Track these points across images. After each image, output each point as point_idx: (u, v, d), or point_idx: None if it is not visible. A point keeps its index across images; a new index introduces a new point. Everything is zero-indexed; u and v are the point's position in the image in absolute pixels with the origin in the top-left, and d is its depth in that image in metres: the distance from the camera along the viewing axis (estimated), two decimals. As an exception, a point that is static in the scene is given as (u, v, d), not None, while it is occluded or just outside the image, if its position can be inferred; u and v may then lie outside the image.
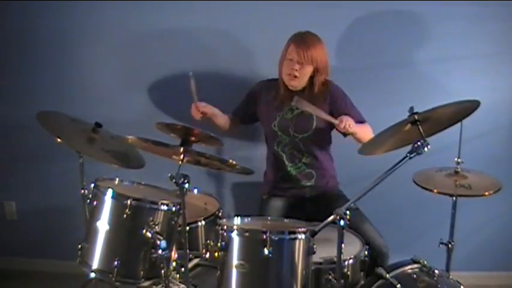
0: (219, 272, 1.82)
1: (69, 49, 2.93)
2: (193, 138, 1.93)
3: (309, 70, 2.41)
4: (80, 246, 2.00)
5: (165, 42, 2.89)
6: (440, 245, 2.20)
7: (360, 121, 2.47)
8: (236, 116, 2.72)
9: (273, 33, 2.73)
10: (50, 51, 2.93)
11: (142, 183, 2.27)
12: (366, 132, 2.42)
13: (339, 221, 1.72)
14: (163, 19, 2.85)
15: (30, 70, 2.97)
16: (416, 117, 1.80)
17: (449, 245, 2.19)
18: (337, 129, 2.41)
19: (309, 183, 2.54)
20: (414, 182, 2.13)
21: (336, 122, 2.34)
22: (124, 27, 2.88)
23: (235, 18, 2.82)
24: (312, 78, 2.45)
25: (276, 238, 1.73)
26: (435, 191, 2.07)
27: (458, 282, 1.99)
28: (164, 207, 1.96)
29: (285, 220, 2.07)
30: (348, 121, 2.33)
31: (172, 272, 2.00)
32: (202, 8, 2.80)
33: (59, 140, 2.02)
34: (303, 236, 1.78)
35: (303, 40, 2.41)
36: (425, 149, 1.74)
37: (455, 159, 2.17)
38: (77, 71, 2.97)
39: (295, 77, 2.41)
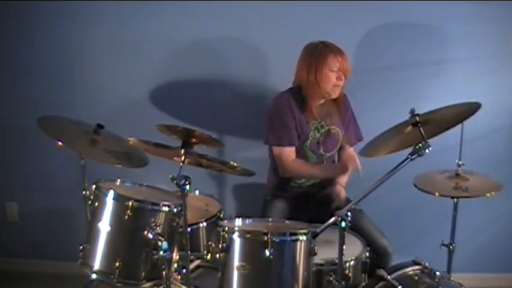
0: (220, 273, 1.81)
1: (70, 51, 2.94)
2: (194, 140, 1.93)
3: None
4: (81, 247, 1.99)
5: (166, 44, 2.89)
6: (442, 247, 2.21)
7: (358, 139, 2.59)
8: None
9: (278, 37, 2.76)
10: (51, 54, 2.94)
11: (144, 184, 2.26)
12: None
13: (340, 222, 1.73)
14: (165, 22, 2.85)
15: (31, 72, 2.97)
16: (417, 118, 1.80)
17: (451, 247, 2.20)
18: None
19: (319, 194, 2.56)
20: (415, 186, 2.14)
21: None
22: (125, 29, 2.88)
23: (237, 21, 2.84)
24: None
25: (277, 239, 1.73)
26: (437, 194, 2.07)
27: (460, 283, 1.99)
28: (165, 209, 1.96)
29: (287, 221, 2.06)
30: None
31: (174, 273, 1.99)
32: (202, 12, 2.81)
33: (60, 143, 2.02)
34: (304, 238, 1.78)
35: (339, 50, 2.40)
36: (427, 150, 1.75)
37: (456, 161, 2.17)
38: (78, 73, 2.97)
39: (339, 86, 2.42)
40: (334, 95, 2.46)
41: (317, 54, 2.40)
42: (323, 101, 2.48)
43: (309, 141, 2.50)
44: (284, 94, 2.50)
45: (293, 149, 2.46)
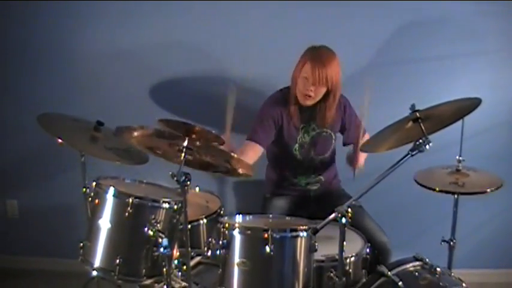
0: (220, 269, 1.82)
1: (70, 49, 2.93)
2: (194, 136, 1.92)
3: (323, 90, 2.34)
4: (81, 244, 1.99)
5: (166, 41, 2.89)
6: (442, 243, 2.21)
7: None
8: (265, 145, 2.44)
9: (268, 36, 2.77)
10: (51, 52, 2.93)
11: (144, 181, 2.26)
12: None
13: (341, 218, 1.73)
14: (164, 20, 2.86)
15: (31, 70, 2.97)
16: (417, 114, 1.80)
17: (451, 243, 2.20)
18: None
19: (314, 187, 2.55)
20: (415, 181, 2.14)
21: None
22: (125, 27, 2.88)
23: (238, 20, 2.85)
24: (325, 95, 2.39)
25: (278, 236, 1.73)
26: (437, 189, 2.07)
27: (460, 279, 1.99)
28: (166, 205, 1.96)
29: (287, 218, 2.07)
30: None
31: (174, 270, 1.99)
32: (202, 10, 2.82)
33: (60, 140, 2.02)
34: (305, 234, 1.78)
35: (320, 58, 2.29)
36: (427, 146, 1.75)
37: (457, 157, 2.17)
38: (78, 70, 2.97)
39: (310, 96, 2.34)
40: (304, 103, 2.39)
41: (301, 57, 2.37)
42: (312, 102, 2.39)
43: (297, 145, 2.47)
44: (277, 93, 2.49)
45: (255, 146, 2.38)
